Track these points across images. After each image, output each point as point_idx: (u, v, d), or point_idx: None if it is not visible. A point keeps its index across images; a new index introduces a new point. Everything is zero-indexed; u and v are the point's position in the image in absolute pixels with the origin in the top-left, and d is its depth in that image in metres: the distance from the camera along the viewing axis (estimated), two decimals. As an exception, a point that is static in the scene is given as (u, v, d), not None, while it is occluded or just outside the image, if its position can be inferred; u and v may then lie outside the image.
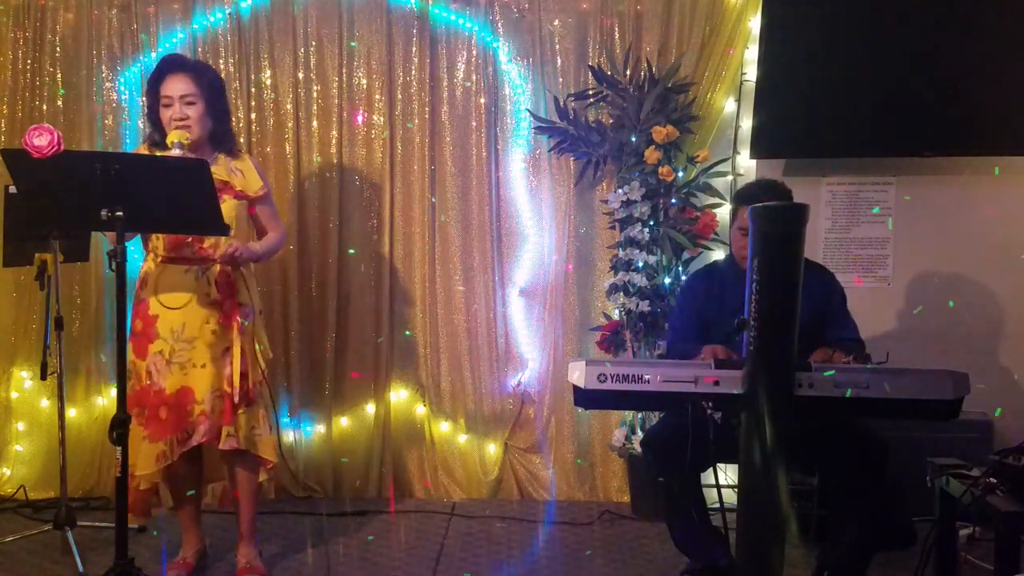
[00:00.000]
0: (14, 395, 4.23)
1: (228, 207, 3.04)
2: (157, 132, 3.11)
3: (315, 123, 4.20)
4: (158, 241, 3.08)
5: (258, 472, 3.19)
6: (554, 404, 4.26)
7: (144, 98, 3.29)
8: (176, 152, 2.90)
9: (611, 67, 4.07)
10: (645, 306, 3.93)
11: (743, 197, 3.17)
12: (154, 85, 3.09)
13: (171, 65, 3.12)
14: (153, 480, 3.09)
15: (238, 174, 3.16)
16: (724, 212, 4.06)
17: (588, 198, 4.22)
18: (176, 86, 3.04)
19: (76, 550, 3.29)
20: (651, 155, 3.92)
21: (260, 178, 3.20)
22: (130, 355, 3.03)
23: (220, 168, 3.10)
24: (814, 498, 3.43)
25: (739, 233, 3.13)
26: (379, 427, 4.24)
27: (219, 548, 3.42)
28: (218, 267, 3.05)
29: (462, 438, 4.29)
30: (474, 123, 4.21)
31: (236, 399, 3.04)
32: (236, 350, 3.06)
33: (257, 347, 3.14)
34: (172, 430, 3.00)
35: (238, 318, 3.08)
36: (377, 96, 4.20)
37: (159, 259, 3.07)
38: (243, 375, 3.07)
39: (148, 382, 3.03)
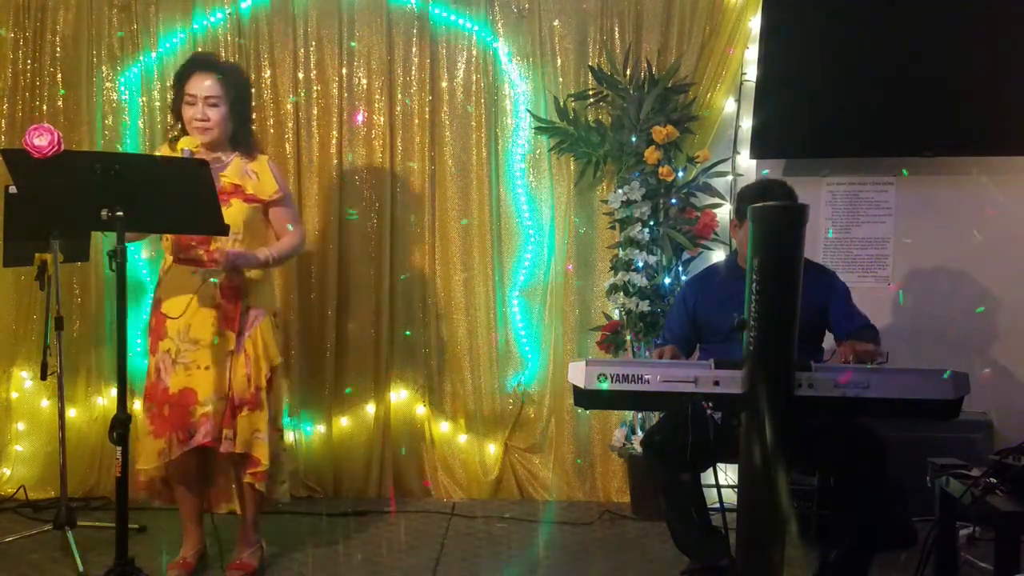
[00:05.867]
0: (14, 395, 4.23)
1: (237, 211, 3.05)
2: (179, 127, 3.12)
3: (315, 123, 4.20)
4: (167, 242, 3.10)
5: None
6: (554, 404, 4.25)
7: (169, 92, 3.30)
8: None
9: (611, 67, 4.07)
10: (645, 306, 3.93)
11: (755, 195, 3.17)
12: (180, 81, 3.09)
13: (200, 64, 3.12)
14: (153, 475, 3.11)
15: (252, 176, 3.13)
16: (724, 212, 4.06)
17: (588, 198, 4.22)
18: (201, 86, 3.04)
19: (76, 550, 3.29)
20: (651, 155, 3.92)
21: (275, 181, 3.17)
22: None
23: (233, 170, 3.10)
24: (814, 498, 3.43)
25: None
26: (379, 427, 4.23)
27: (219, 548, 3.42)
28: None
29: (462, 438, 4.29)
30: (474, 123, 4.21)
31: (236, 403, 3.05)
32: (239, 356, 3.06)
33: (262, 351, 3.13)
34: (172, 428, 3.02)
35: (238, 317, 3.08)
36: (377, 96, 4.20)
37: (171, 259, 3.09)
38: (247, 379, 3.07)
39: (155, 379, 3.07)
